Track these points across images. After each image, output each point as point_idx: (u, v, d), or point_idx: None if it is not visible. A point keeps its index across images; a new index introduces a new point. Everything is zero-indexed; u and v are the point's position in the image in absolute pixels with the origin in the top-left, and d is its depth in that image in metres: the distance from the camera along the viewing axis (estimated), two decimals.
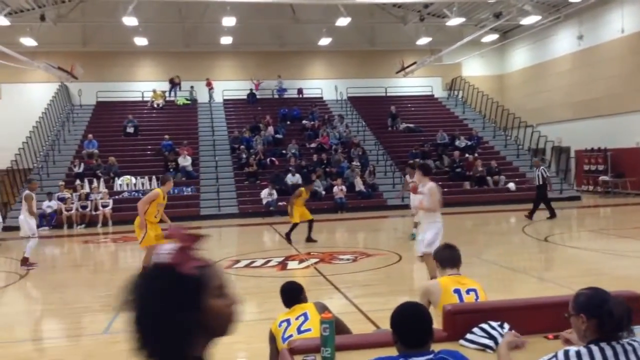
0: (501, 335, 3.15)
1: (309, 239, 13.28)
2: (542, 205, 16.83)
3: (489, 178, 23.07)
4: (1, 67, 26.23)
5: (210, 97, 29.19)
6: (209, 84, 29.15)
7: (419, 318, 2.47)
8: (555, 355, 2.49)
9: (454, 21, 25.49)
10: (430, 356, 2.37)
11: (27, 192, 12.06)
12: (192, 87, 28.90)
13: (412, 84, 30.98)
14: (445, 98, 31.41)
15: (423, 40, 28.22)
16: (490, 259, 10.93)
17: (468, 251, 11.40)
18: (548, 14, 25.09)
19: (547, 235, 13.75)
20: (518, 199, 21.70)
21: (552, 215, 16.71)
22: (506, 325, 3.21)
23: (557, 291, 7.28)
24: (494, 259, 11.04)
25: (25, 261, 11.18)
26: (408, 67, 29.16)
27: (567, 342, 2.96)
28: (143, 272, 1.43)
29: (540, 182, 16.82)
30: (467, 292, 3.77)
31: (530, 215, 16.64)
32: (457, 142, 25.39)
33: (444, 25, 27.66)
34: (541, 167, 17.18)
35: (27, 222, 11.53)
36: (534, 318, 3.32)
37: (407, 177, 13.74)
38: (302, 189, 13.48)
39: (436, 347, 2.47)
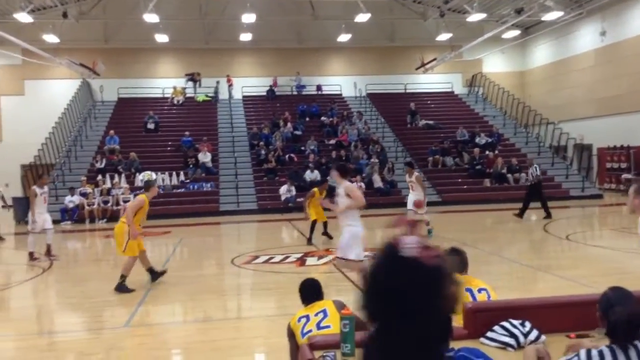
0: (522, 333, 3.12)
1: (325, 234, 13.28)
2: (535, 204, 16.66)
3: (509, 175, 22.86)
4: (24, 64, 26.71)
5: (230, 93, 29.33)
6: (229, 81, 29.28)
7: None
8: (577, 355, 2.47)
9: (475, 17, 25.26)
10: (451, 354, 2.36)
11: (32, 187, 12.27)
12: (217, 82, 29.05)
13: (431, 81, 30.81)
14: (466, 94, 31.17)
15: (443, 36, 28.01)
16: (511, 257, 10.84)
17: (488, 249, 11.40)
18: (570, 10, 24.75)
19: (568, 234, 13.59)
20: None
21: (548, 215, 16.36)
22: (527, 324, 3.18)
23: (579, 290, 7.20)
24: (514, 257, 10.95)
25: (30, 255, 11.46)
26: (428, 63, 28.98)
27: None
28: (391, 266, 1.57)
29: (535, 181, 16.63)
30: (479, 291, 3.76)
31: (520, 214, 16.37)
32: (477, 139, 25.19)
33: (464, 21, 27.44)
34: (534, 166, 16.99)
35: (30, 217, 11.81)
36: (555, 317, 3.29)
37: (407, 176, 13.74)
38: (315, 189, 13.20)
39: (457, 344, 2.46)
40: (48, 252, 11.83)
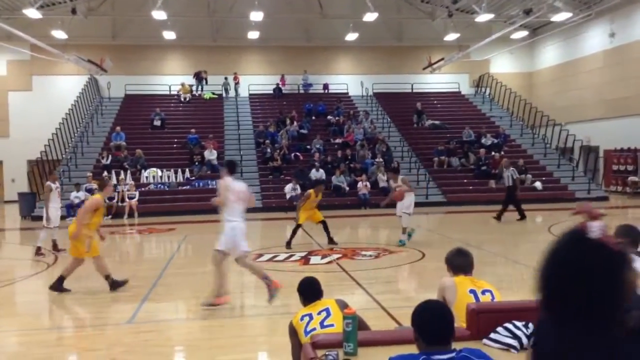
0: (526, 335, 3.11)
1: (330, 241, 12.40)
2: (512, 207, 16.57)
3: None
4: (33, 59, 26.81)
5: (236, 91, 29.38)
6: (235, 79, 29.35)
7: (440, 315, 2.45)
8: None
9: (483, 17, 25.18)
10: (453, 354, 2.35)
11: (47, 182, 12.40)
12: (226, 78, 29.12)
13: (438, 81, 30.75)
14: (473, 95, 31.10)
15: (451, 36, 27.94)
16: (516, 258, 10.80)
17: (493, 250, 11.36)
18: (579, 11, 24.64)
19: None
20: (545, 198, 21.43)
21: (522, 217, 16.45)
22: (531, 325, 3.16)
23: None
24: (519, 258, 10.90)
25: (37, 250, 11.56)
26: (435, 63, 28.92)
27: None
28: (580, 247, 1.61)
29: (510, 183, 16.55)
30: (483, 292, 3.73)
31: (498, 217, 16.35)
32: (483, 140, 25.12)
33: (472, 21, 27.37)
34: (511, 168, 16.88)
35: (44, 212, 11.90)
36: None
37: (391, 182, 13.33)
38: (311, 191, 12.44)
39: (459, 345, 2.44)
40: (55, 247, 11.88)
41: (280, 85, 29.79)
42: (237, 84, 29.40)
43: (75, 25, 25.97)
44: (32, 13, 22.56)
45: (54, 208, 11.91)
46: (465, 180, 23.35)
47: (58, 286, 8.36)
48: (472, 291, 3.68)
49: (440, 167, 23.92)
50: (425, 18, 29.07)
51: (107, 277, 8.46)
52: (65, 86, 28.44)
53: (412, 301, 7.38)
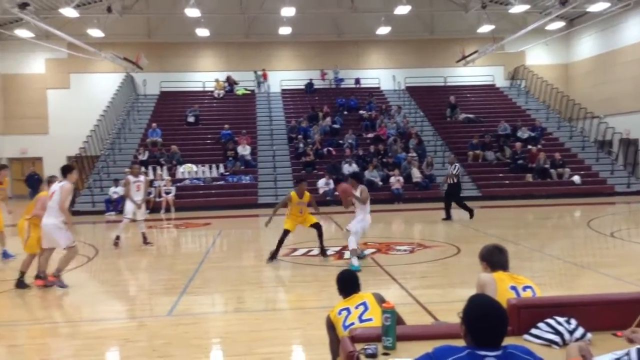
0: (568, 331, 3.07)
1: (323, 252, 10.24)
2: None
3: (552, 170, 22.39)
4: (70, 58, 27.44)
5: (265, 87, 29.62)
6: (264, 75, 29.60)
7: (497, 317, 2.39)
8: (628, 354, 2.41)
9: (518, 8, 24.74)
10: (499, 352, 2.33)
11: (127, 176, 12.92)
12: (255, 71, 29.34)
13: (472, 73, 30.37)
14: (508, 87, 30.63)
15: (485, 28, 27.53)
16: (554, 254, 10.63)
17: (530, 245, 11.20)
18: (617, 1, 23.96)
19: (613, 231, 13.24)
20: (583, 192, 21.04)
21: (448, 217, 15.82)
22: (573, 321, 3.12)
23: (624, 288, 7.02)
24: (557, 253, 10.74)
25: (117, 238, 12.25)
26: (469, 55, 28.56)
27: (630, 341, 2.87)
28: None
29: (455, 180, 15.97)
30: (524, 289, 3.67)
31: (447, 217, 15.83)
32: (519, 133, 24.74)
33: (507, 13, 26.92)
34: (454, 164, 16.27)
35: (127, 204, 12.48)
36: (602, 315, 3.22)
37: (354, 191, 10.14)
38: (293, 192, 10.57)
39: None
40: (145, 240, 12.45)
41: (320, 79, 29.94)
42: (265, 80, 29.65)
43: (111, 24, 26.45)
44: (69, 12, 23.06)
45: (131, 202, 12.32)
46: (500, 175, 23.05)
47: (21, 283, 8.38)
48: (513, 287, 3.63)
49: (475, 161, 23.65)
50: (459, 10, 28.70)
51: (22, 274, 8.44)
52: (102, 84, 29.02)
53: (448, 297, 7.37)
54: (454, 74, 30.69)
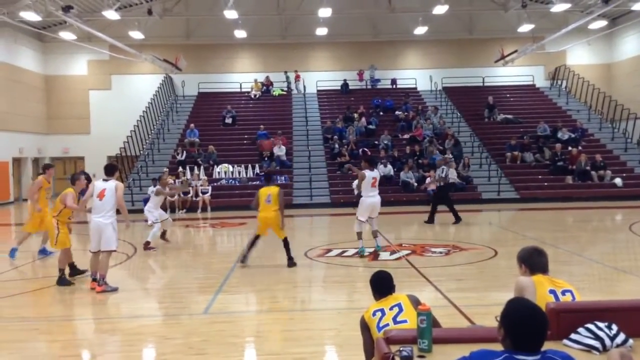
0: (609, 336, 2.99)
1: (290, 262, 9.86)
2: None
3: (593, 173, 21.85)
4: (111, 59, 28.08)
5: (298, 89, 29.75)
6: (297, 77, 29.77)
7: (538, 321, 2.35)
8: None
9: (559, 7, 24.21)
10: (538, 357, 2.28)
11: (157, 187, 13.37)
12: (286, 72, 29.51)
13: (511, 73, 29.88)
14: (548, 88, 30.04)
15: (525, 28, 27.03)
16: (594, 258, 10.38)
17: (569, 249, 10.96)
18: None
19: None
20: (625, 195, 20.47)
21: (457, 219, 15.36)
22: (614, 327, 3.04)
23: None
24: (597, 257, 10.47)
25: (146, 245, 12.17)
26: (508, 55, 28.09)
27: None
28: None
29: (442, 183, 15.64)
30: (563, 293, 3.58)
31: (430, 219, 15.44)
32: (559, 134, 24.22)
33: (547, 12, 26.40)
34: (441, 167, 15.89)
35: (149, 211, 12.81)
36: None
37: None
38: (261, 190, 10.21)
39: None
40: (162, 236, 12.70)
41: (358, 79, 29.94)
42: (298, 81, 29.79)
43: (151, 26, 26.96)
44: (111, 14, 23.57)
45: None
46: (539, 177, 22.60)
47: (62, 280, 8.66)
48: (552, 291, 3.55)
49: (513, 162, 23.25)
50: (498, 9, 28.27)
51: (62, 272, 8.72)
52: (142, 85, 29.60)
53: (484, 300, 7.27)
54: (492, 74, 30.24)
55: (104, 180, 8.40)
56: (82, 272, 9.06)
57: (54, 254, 11.24)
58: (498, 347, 2.44)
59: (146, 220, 12.86)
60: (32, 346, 6.10)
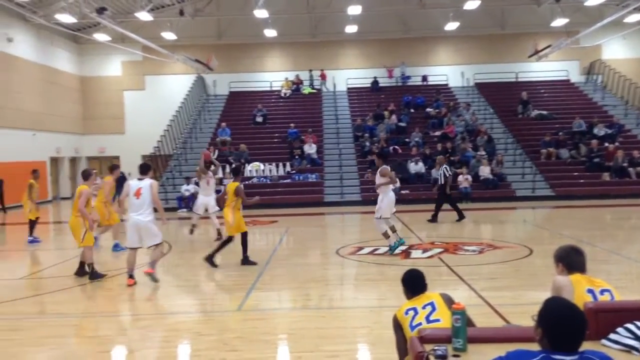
0: None
1: (246, 261, 10.06)
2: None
3: (630, 169, 21.33)
4: (145, 60, 28.55)
5: (325, 87, 29.76)
6: (322, 76, 29.80)
7: (577, 321, 2.32)
8: None
9: (593, 1, 23.69)
10: (576, 357, 2.25)
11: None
12: (310, 70, 29.59)
13: (545, 69, 29.37)
14: (583, 83, 29.42)
15: (559, 22, 26.52)
16: (632, 256, 10.14)
17: (607, 247, 10.73)
18: None
19: None
20: None
21: (460, 217, 15.26)
22: None
23: None
24: (636, 256, 10.24)
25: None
26: (542, 50, 27.61)
27: None
28: None
29: (442, 182, 15.48)
30: (601, 292, 3.52)
31: (433, 218, 15.29)
32: (595, 130, 23.70)
33: (582, 6, 25.85)
34: (444, 166, 15.73)
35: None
36: None
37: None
38: (230, 185, 10.15)
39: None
40: (218, 235, 12.95)
41: (387, 77, 29.83)
42: (323, 80, 29.82)
43: (183, 27, 27.31)
44: (144, 16, 23.96)
45: (202, 195, 12.89)
46: (575, 173, 22.16)
47: (95, 274, 9.05)
48: (590, 291, 3.49)
49: (548, 159, 22.85)
50: (531, 3, 27.80)
51: (90, 265, 9.11)
52: (174, 85, 30.02)
53: (520, 299, 7.18)
54: (525, 70, 29.79)
55: (139, 179, 8.59)
56: (86, 274, 9.24)
57: (125, 250, 11.66)
58: (534, 346, 2.42)
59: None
60: (72, 342, 6.26)
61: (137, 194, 8.41)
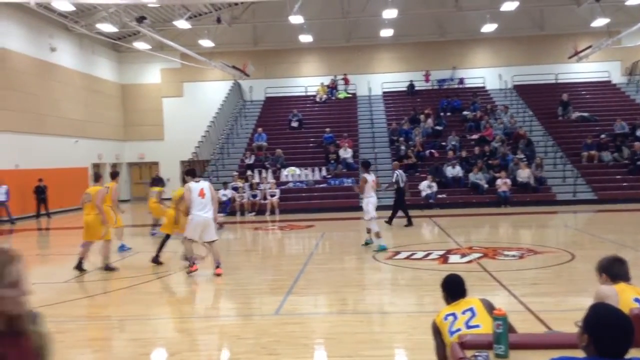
0: None
1: (156, 259, 10.68)
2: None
3: None
4: (183, 68, 29.04)
5: (347, 92, 29.69)
6: (346, 81, 29.78)
7: (624, 326, 2.26)
8: None
9: (635, 0, 23.05)
10: None
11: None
12: (335, 76, 29.72)
13: (586, 70, 28.75)
14: (625, 84, 28.68)
15: (599, 22, 25.89)
16: None
17: None
18: None
19: None
20: None
21: (389, 222, 15.54)
22: None
23: None
24: None
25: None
26: (582, 51, 27.02)
27: None
28: None
29: (398, 187, 15.64)
30: None
31: (389, 221, 15.70)
32: (638, 132, 23.05)
33: (623, 5, 25.19)
34: (397, 171, 15.97)
35: None
36: None
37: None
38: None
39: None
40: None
41: (425, 81, 29.71)
42: (346, 85, 29.78)
43: (220, 34, 27.69)
44: (182, 24, 24.40)
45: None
46: (618, 177, 21.58)
47: (108, 267, 10.13)
48: (637, 300, 3.39)
49: (590, 162, 22.31)
50: (570, 4, 27.23)
51: (107, 258, 10.16)
52: (211, 91, 30.46)
53: (562, 305, 7.03)
54: (565, 71, 29.21)
55: (195, 182, 9.49)
56: (83, 270, 10.23)
57: (131, 250, 12.16)
58: (578, 353, 2.37)
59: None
60: (114, 344, 6.40)
61: (202, 194, 9.30)
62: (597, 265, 3.84)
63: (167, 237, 10.88)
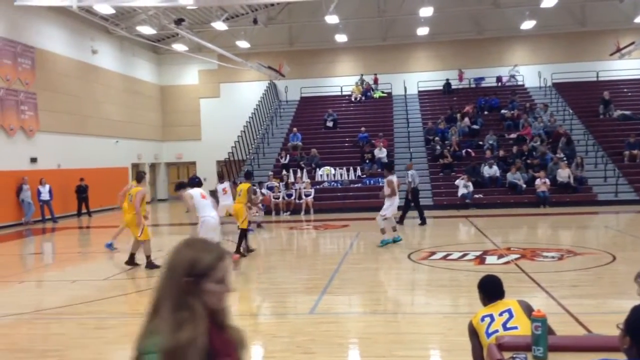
0: None
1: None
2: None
3: None
4: (220, 69, 29.38)
5: (374, 90, 29.49)
6: (375, 80, 29.61)
7: None
8: None
9: None
10: None
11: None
12: (361, 75, 29.57)
13: (629, 67, 27.95)
14: None
15: None
16: None
17: None
18: None
19: None
20: None
21: (400, 222, 15.29)
22: None
23: None
24: None
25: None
26: (624, 47, 26.29)
27: None
28: None
29: (412, 187, 15.86)
30: None
31: (422, 221, 15.83)
32: None
33: None
34: (410, 172, 16.23)
35: None
36: None
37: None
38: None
39: None
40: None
41: (458, 80, 29.40)
42: (376, 85, 29.60)
43: (256, 34, 27.95)
44: (219, 25, 24.71)
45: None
46: None
47: (151, 265, 10.35)
48: None
49: (632, 161, 21.70)
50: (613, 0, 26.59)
51: (148, 257, 10.46)
52: (248, 92, 30.74)
53: (602, 307, 6.87)
54: (607, 68, 28.45)
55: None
56: (135, 264, 10.73)
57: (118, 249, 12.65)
58: (619, 356, 2.32)
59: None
60: None
61: (203, 196, 10.11)
62: (637, 275, 3.67)
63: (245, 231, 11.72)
